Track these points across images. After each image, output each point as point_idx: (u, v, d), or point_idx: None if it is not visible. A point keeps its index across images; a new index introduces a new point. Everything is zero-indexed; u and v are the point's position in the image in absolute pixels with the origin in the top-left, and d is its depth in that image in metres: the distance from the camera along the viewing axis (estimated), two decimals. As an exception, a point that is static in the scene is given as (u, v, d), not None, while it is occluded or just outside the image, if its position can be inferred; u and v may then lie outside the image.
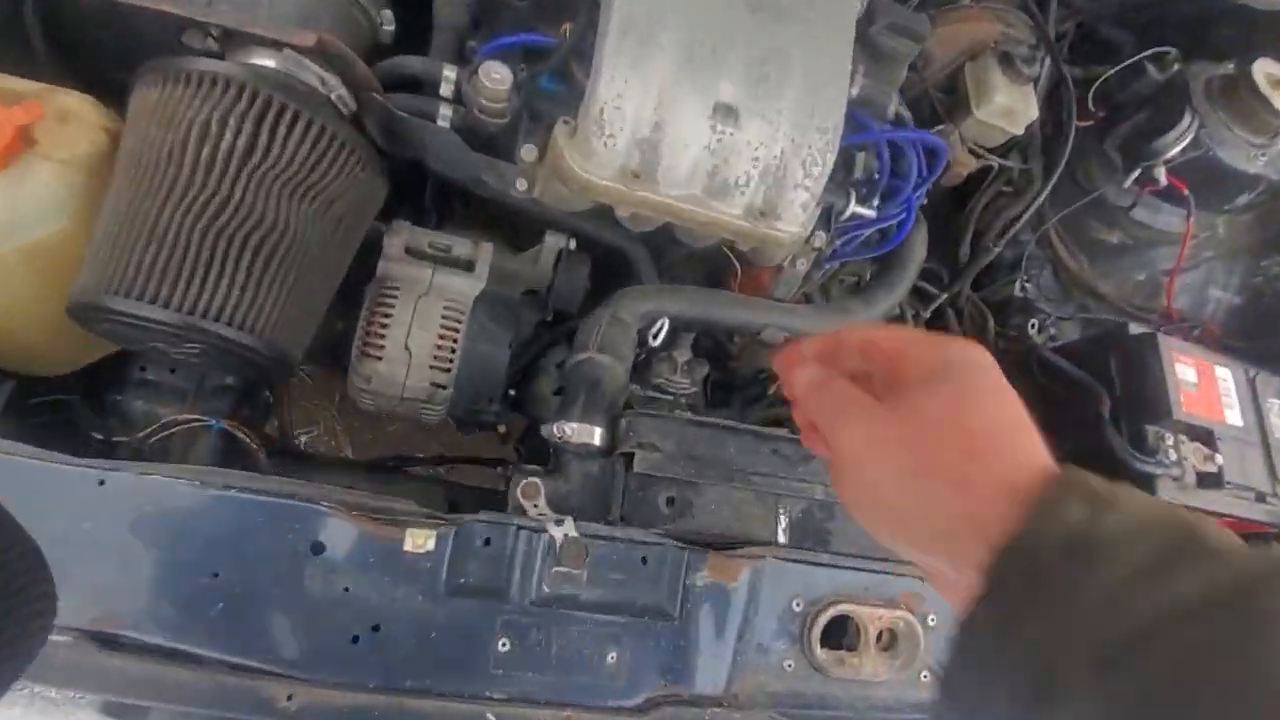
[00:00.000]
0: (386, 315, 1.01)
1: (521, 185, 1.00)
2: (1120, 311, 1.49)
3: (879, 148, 1.07)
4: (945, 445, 0.35)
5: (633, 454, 0.86)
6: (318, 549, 0.70)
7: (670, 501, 0.87)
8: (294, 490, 0.71)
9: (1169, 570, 0.28)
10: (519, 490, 0.82)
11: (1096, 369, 1.24)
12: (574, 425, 0.87)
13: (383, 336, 1.00)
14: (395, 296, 1.01)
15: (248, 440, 1.01)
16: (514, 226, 1.18)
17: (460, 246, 1.06)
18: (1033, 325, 1.41)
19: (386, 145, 0.96)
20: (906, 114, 1.12)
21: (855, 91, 0.99)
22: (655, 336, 1.04)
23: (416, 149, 0.97)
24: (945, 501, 0.34)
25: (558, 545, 0.77)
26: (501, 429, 1.19)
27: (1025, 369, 1.32)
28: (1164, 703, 0.25)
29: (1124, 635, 0.27)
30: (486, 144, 0.98)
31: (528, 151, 0.98)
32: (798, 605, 0.86)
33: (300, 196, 0.79)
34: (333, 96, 0.85)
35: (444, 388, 1.03)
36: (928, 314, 1.35)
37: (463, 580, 0.76)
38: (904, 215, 1.12)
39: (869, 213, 1.07)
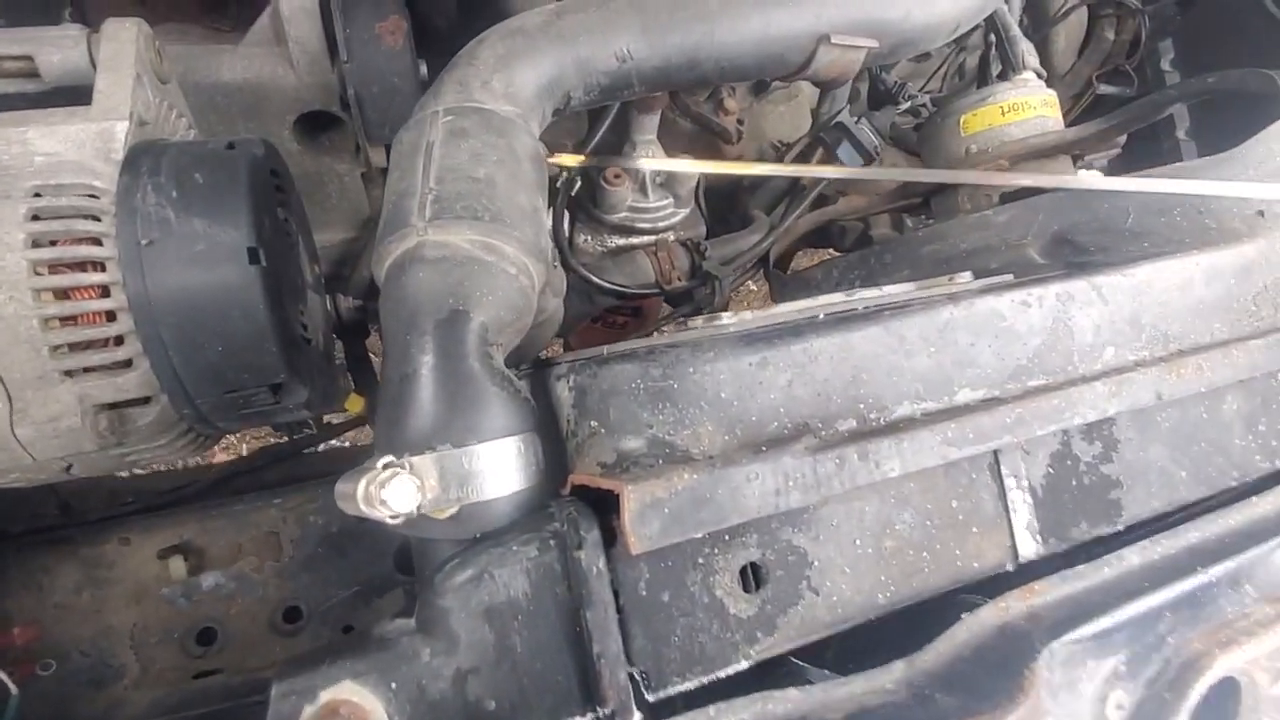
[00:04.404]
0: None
1: None
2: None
3: None
4: None
5: (616, 496, 0.29)
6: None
7: (753, 577, 0.32)
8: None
9: None
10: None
11: None
12: (409, 469, 0.29)
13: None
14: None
15: None
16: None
17: (14, 44, 0.42)
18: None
19: None
20: None
21: None
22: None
23: None
24: None
25: None
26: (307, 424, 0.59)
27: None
28: None
29: None
30: None
31: None
32: (1120, 704, 0.35)
33: None
34: None
35: (143, 400, 0.44)
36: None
37: None
38: None
39: None
